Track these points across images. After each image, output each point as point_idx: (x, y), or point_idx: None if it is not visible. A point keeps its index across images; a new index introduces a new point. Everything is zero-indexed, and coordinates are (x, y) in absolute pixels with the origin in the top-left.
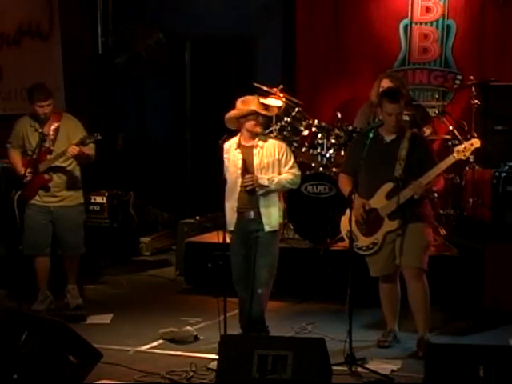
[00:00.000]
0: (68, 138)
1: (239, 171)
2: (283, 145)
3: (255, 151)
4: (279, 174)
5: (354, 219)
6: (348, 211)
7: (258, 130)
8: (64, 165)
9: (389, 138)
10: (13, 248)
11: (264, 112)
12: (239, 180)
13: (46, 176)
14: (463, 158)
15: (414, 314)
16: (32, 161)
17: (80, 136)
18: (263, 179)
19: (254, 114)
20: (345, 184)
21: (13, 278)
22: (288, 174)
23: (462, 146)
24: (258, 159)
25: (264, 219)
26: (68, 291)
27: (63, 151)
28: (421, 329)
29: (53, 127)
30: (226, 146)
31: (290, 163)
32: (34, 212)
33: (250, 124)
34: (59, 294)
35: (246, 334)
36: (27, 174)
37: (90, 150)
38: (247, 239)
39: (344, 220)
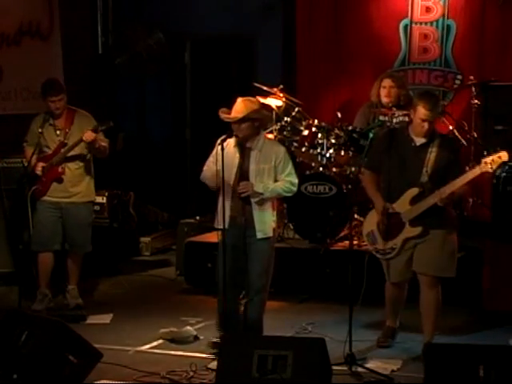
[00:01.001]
0: (82, 132)
1: (235, 169)
2: (282, 150)
3: (252, 154)
4: (275, 180)
5: (375, 221)
6: (372, 212)
7: (239, 134)
8: (78, 159)
9: (419, 141)
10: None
11: (228, 116)
12: (232, 181)
13: (60, 169)
14: (490, 170)
15: (423, 318)
16: (46, 155)
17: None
18: (258, 187)
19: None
20: (372, 188)
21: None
22: (284, 181)
23: (490, 158)
24: (255, 164)
25: (257, 226)
26: (68, 291)
27: (77, 141)
28: (427, 334)
29: (67, 122)
30: (225, 144)
31: (287, 170)
32: (45, 208)
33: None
34: (59, 293)
35: (225, 334)
36: (38, 168)
37: (104, 142)
38: (239, 244)
39: (367, 220)
